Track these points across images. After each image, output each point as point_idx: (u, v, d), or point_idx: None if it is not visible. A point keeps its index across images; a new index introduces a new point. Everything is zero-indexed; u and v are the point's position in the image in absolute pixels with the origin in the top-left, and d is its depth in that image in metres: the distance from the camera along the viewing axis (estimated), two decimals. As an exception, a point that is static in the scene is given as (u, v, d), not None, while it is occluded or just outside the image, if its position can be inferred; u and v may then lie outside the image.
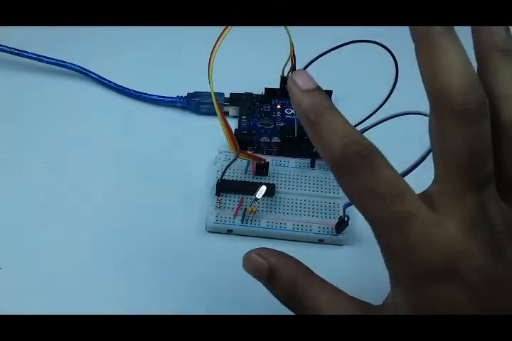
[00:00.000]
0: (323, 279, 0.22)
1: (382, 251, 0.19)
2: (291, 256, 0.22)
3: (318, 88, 0.19)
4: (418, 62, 0.19)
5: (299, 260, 0.22)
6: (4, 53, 0.38)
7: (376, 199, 0.18)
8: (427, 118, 0.21)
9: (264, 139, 0.35)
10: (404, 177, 0.20)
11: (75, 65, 0.38)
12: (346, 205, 0.29)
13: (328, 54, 0.28)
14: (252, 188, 0.31)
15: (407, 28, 0.31)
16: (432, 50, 0.18)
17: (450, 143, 0.18)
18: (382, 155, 0.19)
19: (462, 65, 0.18)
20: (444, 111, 0.18)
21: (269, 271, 0.22)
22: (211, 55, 0.26)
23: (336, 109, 0.19)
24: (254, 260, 0.22)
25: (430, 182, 0.20)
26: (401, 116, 0.26)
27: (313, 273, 0.22)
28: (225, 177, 0.32)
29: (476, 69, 0.19)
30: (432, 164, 0.20)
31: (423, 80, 0.19)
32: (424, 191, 0.20)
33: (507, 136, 0.19)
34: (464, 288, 0.18)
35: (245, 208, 0.31)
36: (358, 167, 0.18)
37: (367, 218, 0.19)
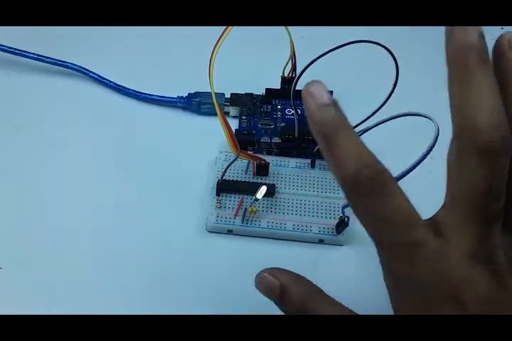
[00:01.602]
0: (332, 298, 0.22)
1: (385, 276, 0.20)
2: (301, 276, 0.23)
3: (336, 103, 0.18)
4: (449, 88, 0.18)
5: (309, 280, 0.22)
6: (4, 53, 0.38)
7: (387, 227, 0.18)
8: (427, 119, 0.21)
9: (265, 139, 0.35)
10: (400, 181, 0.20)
11: (75, 64, 0.38)
12: (345, 206, 0.29)
13: (328, 54, 0.28)
14: (253, 188, 0.31)
15: (406, 28, 0.31)
16: (466, 81, 0.18)
17: (467, 175, 0.18)
18: (395, 182, 0.18)
19: (493, 102, 0.18)
20: (467, 144, 0.18)
21: (280, 289, 0.22)
22: (212, 55, 0.26)
23: (353, 128, 0.19)
24: (266, 278, 0.22)
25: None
26: (401, 117, 0.26)
27: (323, 292, 0.22)
28: (226, 178, 0.32)
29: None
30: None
31: (451, 106, 0.18)
32: (433, 216, 0.20)
33: None
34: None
35: (245, 208, 0.31)
36: (369, 193, 0.18)
37: (375, 243, 0.19)
